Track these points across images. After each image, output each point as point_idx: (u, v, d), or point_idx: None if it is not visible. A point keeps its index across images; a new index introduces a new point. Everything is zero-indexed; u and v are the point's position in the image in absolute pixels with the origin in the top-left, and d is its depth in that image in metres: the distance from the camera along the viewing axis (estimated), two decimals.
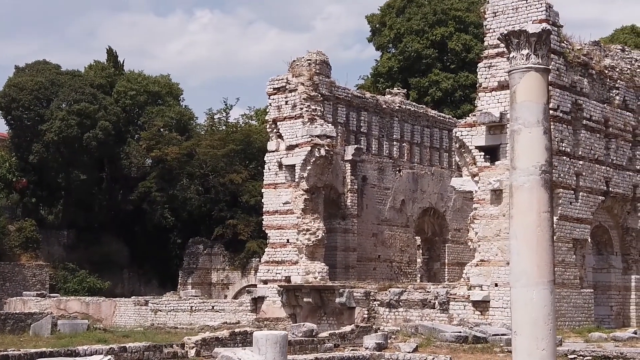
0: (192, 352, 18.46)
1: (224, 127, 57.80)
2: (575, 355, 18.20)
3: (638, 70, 30.93)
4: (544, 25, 9.30)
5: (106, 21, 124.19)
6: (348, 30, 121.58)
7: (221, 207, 51.30)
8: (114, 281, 51.56)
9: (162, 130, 53.94)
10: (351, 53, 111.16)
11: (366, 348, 19.98)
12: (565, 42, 27.54)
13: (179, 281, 49.70)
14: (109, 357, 12.23)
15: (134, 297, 41.08)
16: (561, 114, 26.77)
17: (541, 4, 26.47)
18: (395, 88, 41.36)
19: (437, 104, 48.72)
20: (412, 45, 53.41)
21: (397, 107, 38.10)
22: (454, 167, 40.89)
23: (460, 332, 21.59)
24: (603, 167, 28.52)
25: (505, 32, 9.51)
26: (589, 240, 28.27)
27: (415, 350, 19.55)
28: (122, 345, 16.52)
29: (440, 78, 52.68)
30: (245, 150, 53.21)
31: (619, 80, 29.56)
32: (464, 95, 52.66)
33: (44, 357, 14.35)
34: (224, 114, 58.72)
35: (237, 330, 23.53)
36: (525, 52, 9.49)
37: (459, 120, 40.19)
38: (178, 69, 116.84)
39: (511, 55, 9.77)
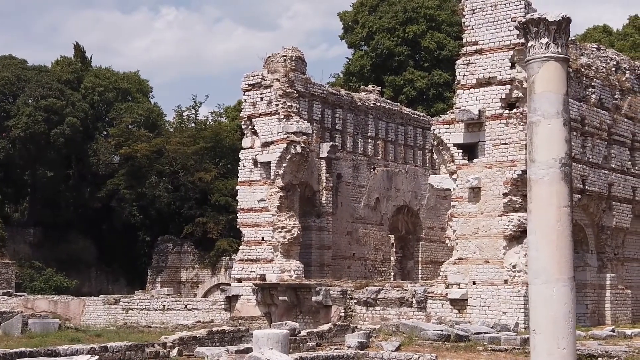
0: (174, 352, 18.06)
1: (193, 125, 57.30)
2: None
3: (613, 69, 31.03)
4: (564, 13, 9.10)
5: (70, 17, 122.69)
6: (314, 29, 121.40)
7: (191, 205, 50.86)
8: (81, 280, 50.80)
9: (131, 127, 53.26)
10: (317, 52, 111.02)
11: (348, 347, 19.72)
12: None
13: (148, 280, 49.17)
14: (96, 357, 11.85)
15: (102, 295, 40.48)
16: None
17: (520, 1, 26.40)
18: (370, 85, 41.14)
19: (411, 102, 48.64)
20: (383, 43, 53.31)
21: (372, 105, 37.90)
22: (427, 165, 40.86)
23: (442, 330, 21.42)
24: (579, 166, 28.54)
25: (524, 19, 9.25)
26: None
27: (397, 349, 19.33)
28: (103, 345, 16.09)
29: (415, 77, 52.63)
30: (215, 148, 52.83)
31: (594, 79, 29.62)
32: (438, 93, 52.67)
33: (24, 357, 13.89)
34: (193, 112, 58.24)
35: (214, 329, 23.22)
36: (544, 40, 9.25)
37: (433, 118, 40.21)
38: (144, 66, 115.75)
39: (529, 44, 9.51)
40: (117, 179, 51.95)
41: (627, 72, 32.04)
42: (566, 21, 9.25)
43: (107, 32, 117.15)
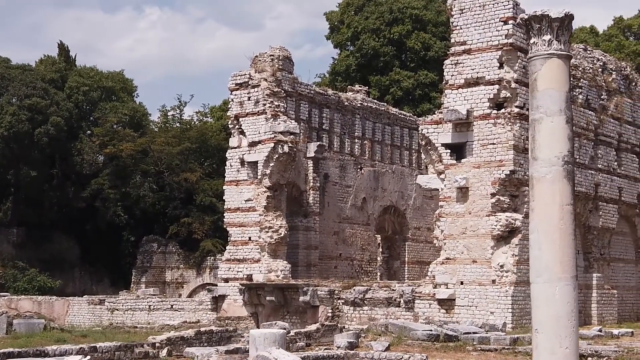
0: (163, 352, 17.93)
1: (177, 125, 57.08)
2: None
3: (600, 69, 31.14)
4: (567, 10, 9.06)
5: (53, 16, 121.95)
6: (298, 30, 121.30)
7: (176, 205, 50.66)
8: (65, 280, 50.43)
9: (115, 126, 52.96)
10: (301, 52, 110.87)
11: (338, 347, 19.65)
12: None
13: (132, 280, 48.94)
14: (88, 357, 11.71)
15: (86, 296, 40.27)
16: (526, 112, 26.63)
17: (508, 1, 26.43)
18: (357, 85, 41.11)
19: (397, 102, 48.66)
20: (369, 43, 53.30)
21: (358, 105, 37.86)
22: (414, 165, 40.86)
23: (431, 330, 21.40)
24: None
25: (526, 16, 9.22)
26: None
27: (387, 349, 19.28)
28: (93, 345, 15.93)
29: (401, 77, 52.64)
30: (200, 148, 52.66)
31: (581, 80, 29.72)
32: (424, 93, 52.71)
33: (12, 358, 13.72)
34: (178, 111, 58.01)
35: (202, 329, 23.10)
36: (547, 37, 9.18)
37: (420, 118, 40.21)
38: (127, 65, 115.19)
39: (532, 41, 9.45)
40: (102, 178, 51.65)
41: (614, 72, 32.17)
42: (569, 18, 9.21)
43: (90, 32, 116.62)
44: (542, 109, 9.22)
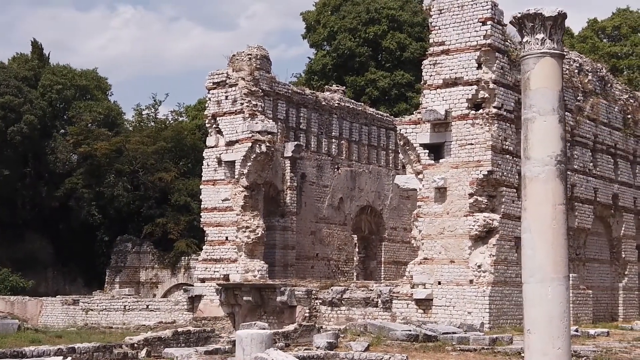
0: (142, 353, 17.74)
1: (152, 124, 56.70)
2: None
3: (576, 71, 31.32)
4: (560, 8, 9.05)
5: (26, 14, 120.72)
6: (273, 30, 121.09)
7: (150, 204, 50.30)
8: (38, 280, 49.94)
9: (90, 125, 52.50)
10: (276, 52, 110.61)
11: (317, 347, 19.54)
12: (509, 40, 27.66)
13: (106, 280, 48.51)
14: (69, 358, 11.52)
15: (60, 296, 39.89)
16: (505, 113, 26.87)
17: (486, 2, 26.54)
18: (334, 85, 41.07)
19: (373, 102, 48.67)
20: (345, 43, 53.28)
21: (336, 104, 37.82)
22: (391, 165, 40.90)
23: (410, 330, 21.34)
24: None
25: (519, 14, 9.21)
26: None
27: (367, 349, 19.21)
28: (71, 346, 15.72)
29: (377, 77, 52.67)
30: (175, 148, 52.33)
31: None
32: (400, 93, 52.77)
33: None
34: (153, 110, 57.61)
35: (180, 329, 22.91)
36: (540, 36, 9.15)
37: (397, 118, 40.22)
38: (101, 64, 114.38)
39: (524, 40, 9.41)
40: (76, 177, 51.19)
41: (590, 74, 32.38)
42: (562, 17, 9.20)
43: (63, 30, 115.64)
44: (535, 108, 9.20)
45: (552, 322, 8.77)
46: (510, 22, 9.47)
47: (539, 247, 9.03)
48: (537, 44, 9.20)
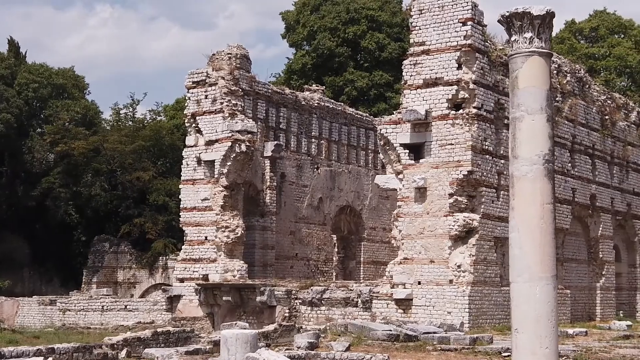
0: (122, 353, 17.60)
1: (130, 123, 56.35)
2: (509, 353, 18.11)
3: (555, 72, 31.47)
4: (548, 7, 9.04)
5: (1, 12, 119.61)
6: (251, 29, 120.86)
7: (128, 204, 49.97)
8: (14, 280, 49.43)
9: (67, 124, 52.08)
10: (254, 52, 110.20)
11: (298, 347, 19.49)
12: (489, 41, 27.76)
13: (83, 280, 48.16)
14: (50, 358, 11.38)
15: (36, 296, 39.55)
16: (485, 113, 26.95)
17: (467, 2, 26.61)
18: (314, 85, 41.02)
19: (352, 102, 48.69)
20: (325, 42, 53.26)
21: (315, 104, 37.78)
22: (370, 165, 40.92)
23: (391, 330, 21.35)
24: None
25: (507, 13, 9.19)
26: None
27: (347, 349, 19.18)
28: (50, 346, 15.55)
29: (355, 77, 52.69)
30: (154, 147, 52.02)
31: None
32: (379, 93, 52.81)
33: None
34: (131, 109, 57.24)
35: (159, 330, 22.73)
36: (528, 35, 9.13)
37: (376, 118, 40.27)
38: (78, 63, 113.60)
39: (512, 39, 9.39)
40: (52, 177, 50.76)
41: (568, 75, 32.57)
42: (550, 16, 9.19)
43: (39, 29, 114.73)
44: (523, 107, 9.18)
45: (540, 322, 8.76)
46: (498, 21, 9.46)
47: (527, 246, 9.02)
48: (525, 42, 9.20)
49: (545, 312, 8.76)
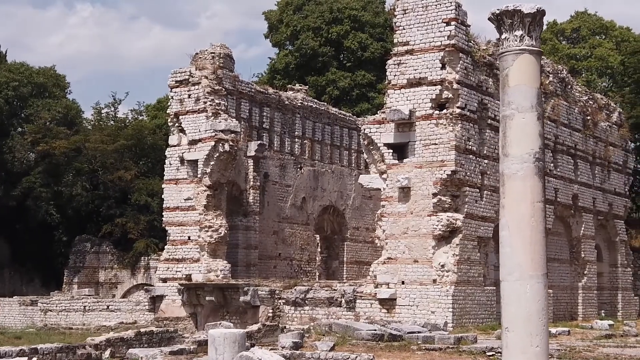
0: (106, 354, 17.48)
1: (112, 122, 56.01)
2: (494, 352, 18.19)
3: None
4: (539, 5, 9.05)
5: None
6: (233, 29, 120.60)
7: (110, 204, 49.64)
8: None
9: (48, 123, 51.70)
10: (236, 52, 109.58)
11: (282, 347, 19.44)
12: (472, 41, 27.82)
13: (65, 280, 47.83)
14: (34, 358, 11.27)
15: (17, 297, 39.25)
16: (468, 113, 27.02)
17: (450, 2, 26.66)
18: (297, 85, 40.96)
19: (334, 102, 48.67)
20: (308, 42, 53.22)
21: (299, 104, 37.73)
22: (353, 165, 40.92)
23: (375, 330, 21.34)
24: None
25: (498, 11, 9.18)
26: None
27: (332, 348, 19.15)
28: (33, 347, 15.42)
29: (337, 77, 52.67)
30: (136, 147, 51.72)
31: None
32: (361, 93, 52.81)
33: None
34: (112, 109, 56.89)
35: (142, 330, 22.62)
36: (518, 33, 9.13)
37: (359, 118, 40.27)
38: (58, 62, 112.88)
39: (503, 37, 9.39)
40: (33, 176, 50.34)
41: (550, 75, 32.71)
42: (540, 14, 9.20)
43: (19, 28, 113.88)
44: (514, 105, 9.17)
45: (530, 320, 8.75)
46: (489, 19, 9.45)
47: (518, 244, 9.01)
48: (516, 40, 9.20)
49: (535, 310, 8.75)
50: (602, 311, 35.02)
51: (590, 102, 36.19)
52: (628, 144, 40.14)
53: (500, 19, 9.13)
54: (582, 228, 34.34)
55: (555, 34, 54.93)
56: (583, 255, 34.25)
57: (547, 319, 8.99)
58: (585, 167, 35.15)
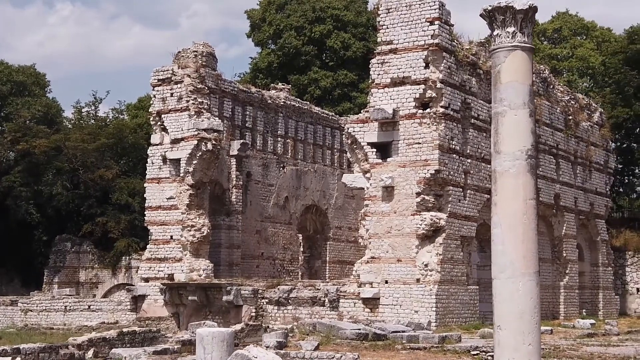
0: (89, 354, 17.33)
1: (93, 121, 55.66)
2: (478, 351, 18.21)
3: None
4: (531, 2, 9.01)
5: None
6: (214, 29, 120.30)
7: (91, 203, 49.26)
8: None
9: (28, 122, 51.28)
10: (217, 51, 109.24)
11: (267, 347, 19.35)
12: (455, 41, 27.83)
13: (45, 280, 47.47)
14: (18, 358, 11.13)
15: None
16: (451, 112, 27.02)
17: (434, 1, 26.66)
18: (280, 84, 40.87)
19: (316, 101, 48.63)
20: (290, 41, 53.14)
21: (282, 103, 37.64)
22: (336, 164, 40.88)
23: (360, 329, 21.31)
24: (489, 166, 28.80)
25: (490, 7, 9.14)
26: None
27: (316, 348, 19.09)
28: (15, 347, 15.24)
29: (320, 76, 52.62)
30: (116, 146, 51.41)
31: None
32: (343, 93, 52.79)
33: None
34: (93, 108, 56.52)
35: (125, 330, 22.48)
36: (511, 29, 9.08)
37: (342, 117, 40.24)
38: (38, 60, 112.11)
39: (495, 33, 9.34)
40: (13, 176, 49.87)
41: (533, 75, 32.74)
42: (532, 10, 9.17)
43: None
44: (506, 102, 9.13)
45: (522, 318, 8.73)
46: (481, 15, 9.40)
47: (510, 242, 8.98)
48: (508, 37, 9.16)
49: (528, 308, 8.73)
50: (584, 310, 35.16)
51: (572, 102, 36.34)
52: (609, 144, 40.34)
53: (492, 16, 9.10)
54: (564, 227, 34.46)
55: (537, 34, 55.11)
56: (565, 255, 34.37)
57: (540, 317, 8.96)
58: (567, 167, 35.28)
